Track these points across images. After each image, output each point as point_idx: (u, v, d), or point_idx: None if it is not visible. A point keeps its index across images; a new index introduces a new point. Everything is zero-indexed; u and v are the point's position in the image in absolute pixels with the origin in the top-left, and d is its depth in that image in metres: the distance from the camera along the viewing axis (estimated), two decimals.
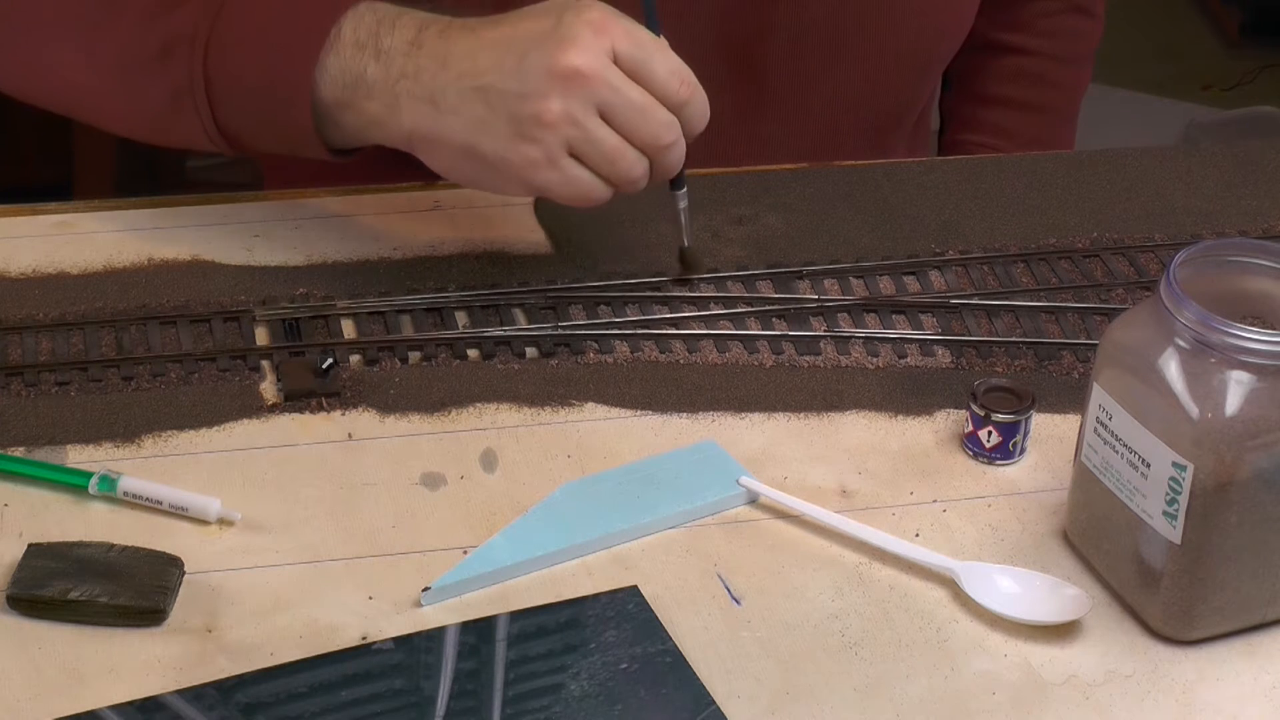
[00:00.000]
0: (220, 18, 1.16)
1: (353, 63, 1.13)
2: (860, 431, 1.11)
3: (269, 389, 1.12)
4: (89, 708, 0.92)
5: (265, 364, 1.14)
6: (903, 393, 1.14)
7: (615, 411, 1.11)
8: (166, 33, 1.17)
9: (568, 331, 1.16)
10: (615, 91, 1.10)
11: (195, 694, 0.93)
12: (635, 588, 1.00)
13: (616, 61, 1.10)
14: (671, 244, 1.21)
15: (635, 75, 1.11)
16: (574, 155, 1.11)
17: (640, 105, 1.11)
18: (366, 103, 1.13)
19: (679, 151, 1.13)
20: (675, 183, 1.18)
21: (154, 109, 1.19)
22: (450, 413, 1.11)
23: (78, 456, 1.06)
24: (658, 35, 1.13)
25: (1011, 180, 1.34)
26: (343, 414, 1.10)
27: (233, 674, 0.94)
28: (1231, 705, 0.96)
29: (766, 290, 1.21)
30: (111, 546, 0.99)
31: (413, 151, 1.15)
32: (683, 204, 1.19)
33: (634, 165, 1.12)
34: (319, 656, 0.95)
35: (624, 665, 0.95)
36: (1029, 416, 1.09)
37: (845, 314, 1.20)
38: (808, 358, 1.16)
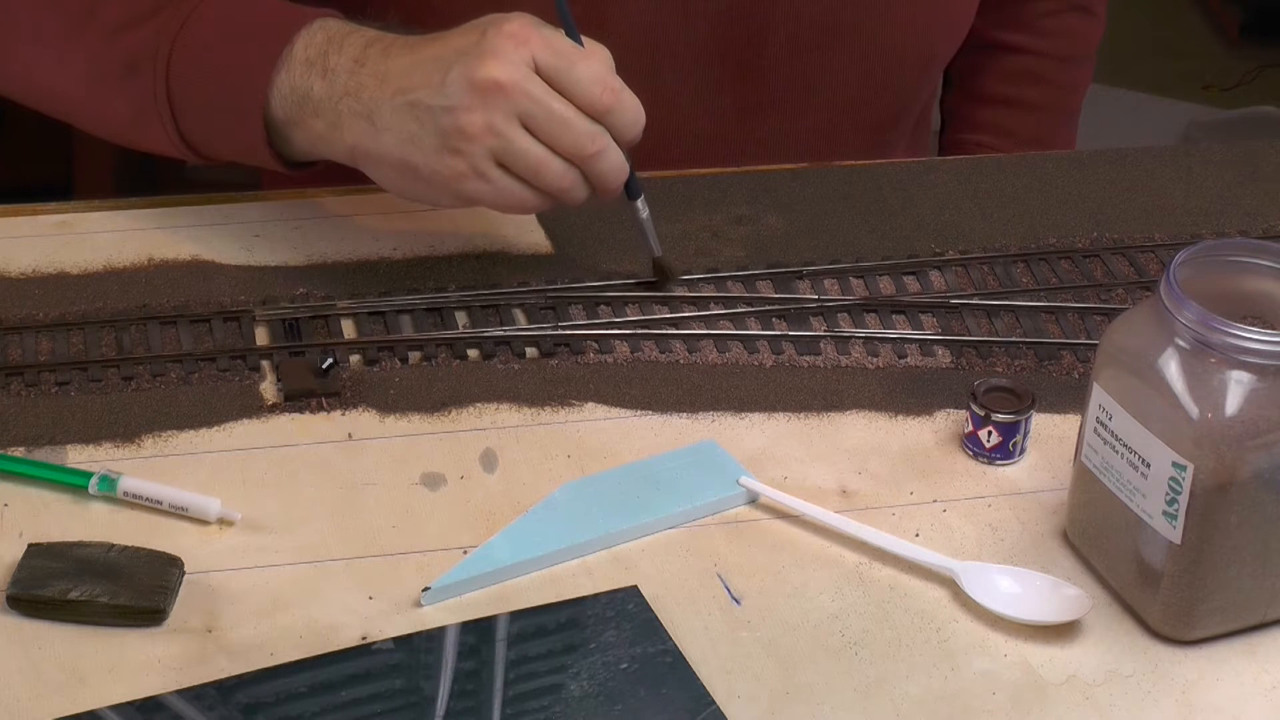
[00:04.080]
0: (181, 35, 1.18)
1: (301, 81, 1.15)
2: (860, 431, 1.11)
3: (269, 389, 1.12)
4: (89, 708, 0.92)
5: (265, 364, 1.14)
6: (903, 393, 1.14)
7: (615, 411, 1.11)
8: (131, 49, 1.19)
9: (568, 331, 1.16)
10: (535, 101, 1.11)
11: (195, 694, 0.93)
12: (635, 588, 1.00)
13: (538, 71, 1.11)
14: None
15: (556, 84, 1.11)
16: (502, 166, 1.12)
17: (561, 115, 1.11)
18: (313, 120, 1.15)
19: (609, 160, 1.13)
20: (630, 192, 1.18)
21: (123, 119, 1.22)
22: (450, 413, 1.11)
23: (78, 456, 1.06)
24: (579, 44, 1.13)
25: (1011, 180, 1.34)
26: (343, 414, 1.10)
27: (233, 674, 0.94)
28: (1231, 705, 0.96)
29: (766, 290, 1.21)
30: (111, 546, 0.99)
31: (356, 166, 1.17)
32: (643, 213, 1.19)
33: (561, 175, 1.13)
34: (319, 656, 0.95)
35: (624, 665, 0.95)
36: (1029, 416, 1.09)
37: (845, 314, 1.20)
38: (808, 358, 1.16)
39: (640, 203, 1.19)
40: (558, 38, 1.12)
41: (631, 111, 1.13)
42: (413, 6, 1.26)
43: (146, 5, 1.19)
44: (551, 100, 1.11)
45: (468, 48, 1.11)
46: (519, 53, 1.11)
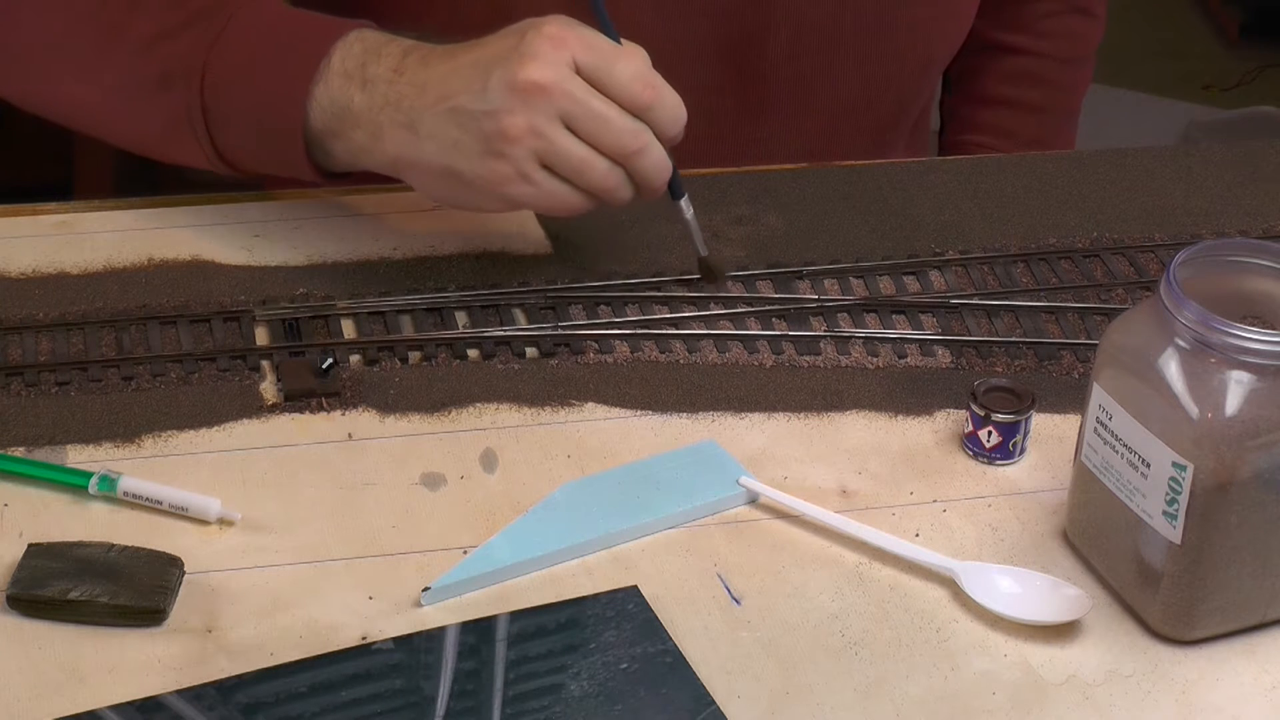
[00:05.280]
0: (215, 48, 1.17)
1: (340, 92, 1.15)
2: (860, 431, 1.11)
3: (269, 389, 1.12)
4: (89, 708, 0.92)
5: (265, 364, 1.14)
6: (903, 393, 1.14)
7: (615, 411, 1.11)
8: (165, 62, 1.19)
9: (568, 331, 1.16)
10: (576, 101, 1.11)
11: (195, 694, 0.93)
12: (635, 588, 1.00)
13: (578, 72, 1.11)
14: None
15: (597, 84, 1.12)
16: (546, 167, 1.12)
17: (602, 114, 1.11)
18: (353, 131, 1.15)
19: (652, 157, 1.13)
20: (674, 192, 1.18)
21: (155, 133, 1.22)
22: (450, 413, 1.11)
23: (78, 456, 1.06)
24: (617, 43, 1.13)
25: (1011, 180, 1.34)
26: (343, 414, 1.10)
27: (233, 674, 0.94)
28: (1231, 705, 0.96)
29: (766, 290, 1.21)
30: (111, 546, 0.99)
31: (398, 176, 1.17)
32: (688, 213, 1.19)
33: (606, 175, 1.13)
34: (319, 656, 0.95)
35: (624, 665, 0.95)
36: (1029, 416, 1.09)
37: (845, 314, 1.20)
38: (808, 358, 1.16)
39: (684, 202, 1.19)
40: (596, 38, 1.12)
41: (672, 107, 1.13)
42: (418, 12, 1.26)
43: (178, 19, 1.19)
44: (593, 99, 1.11)
45: (506, 52, 1.12)
46: (558, 54, 1.11)
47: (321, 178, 1.19)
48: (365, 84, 1.15)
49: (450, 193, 1.16)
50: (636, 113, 1.12)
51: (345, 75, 1.15)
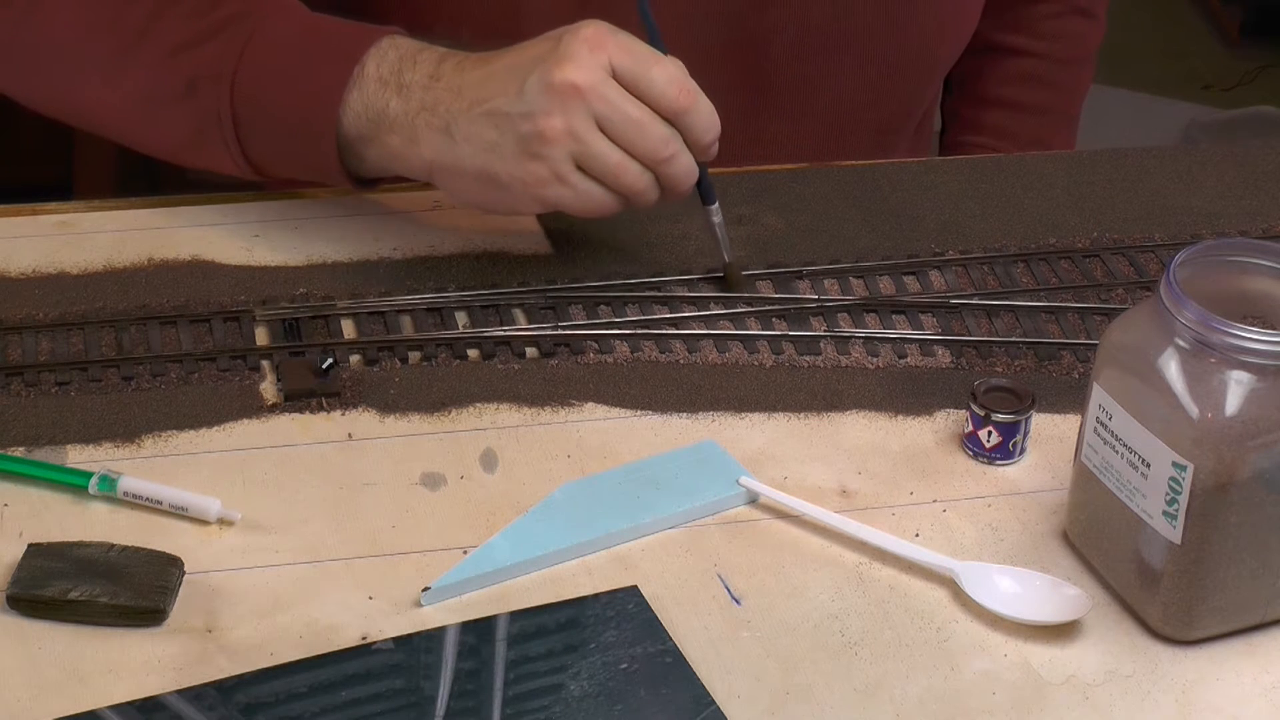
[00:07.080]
0: (245, 55, 1.17)
1: (376, 98, 1.15)
2: (860, 431, 1.11)
3: (269, 389, 1.12)
4: (89, 708, 0.92)
5: (265, 364, 1.14)
6: (903, 393, 1.14)
7: (615, 411, 1.11)
8: (192, 69, 1.19)
9: (568, 331, 1.16)
10: (611, 105, 1.11)
11: (195, 694, 0.93)
12: (635, 588, 1.00)
13: (614, 76, 1.12)
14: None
15: (633, 88, 1.12)
16: (582, 169, 1.12)
17: (636, 119, 1.12)
18: (388, 136, 1.16)
19: (682, 164, 1.14)
20: (705, 197, 1.18)
21: (181, 139, 1.22)
22: (450, 413, 1.11)
23: (78, 456, 1.06)
24: (664, 52, 1.14)
25: (1011, 180, 1.34)
26: (343, 414, 1.10)
27: (233, 674, 0.94)
28: (1231, 705, 0.96)
29: (766, 290, 1.21)
30: (111, 546, 0.99)
31: (433, 182, 1.18)
32: (716, 219, 1.20)
33: (637, 179, 1.14)
34: (319, 656, 0.95)
35: (624, 665, 0.95)
36: (1029, 416, 1.09)
37: (845, 314, 1.20)
38: (808, 358, 1.16)
39: (715, 208, 1.19)
40: (634, 42, 1.13)
41: (706, 115, 1.14)
42: (425, 12, 1.26)
43: (204, 26, 1.19)
44: (628, 104, 1.12)
45: (544, 55, 1.12)
46: (595, 57, 1.11)
47: (353, 183, 1.20)
48: (401, 89, 1.15)
49: (485, 196, 1.16)
50: (671, 118, 1.13)
51: (381, 81, 1.15)
